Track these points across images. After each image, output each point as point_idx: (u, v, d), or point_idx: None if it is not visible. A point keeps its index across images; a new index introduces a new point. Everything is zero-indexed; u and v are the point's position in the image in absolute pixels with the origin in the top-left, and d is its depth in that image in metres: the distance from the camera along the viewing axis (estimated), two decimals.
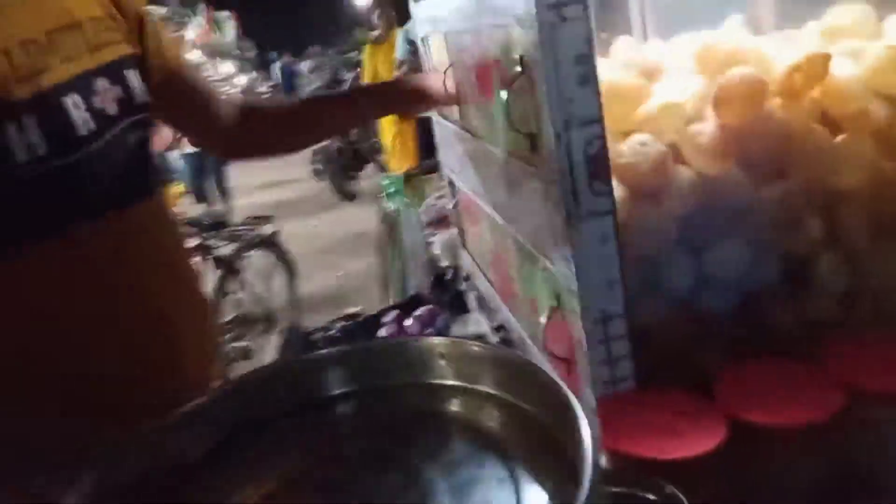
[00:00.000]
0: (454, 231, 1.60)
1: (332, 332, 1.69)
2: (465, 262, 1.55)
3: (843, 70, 0.80)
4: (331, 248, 5.58)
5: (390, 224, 2.23)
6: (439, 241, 1.73)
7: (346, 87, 10.91)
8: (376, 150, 8.49)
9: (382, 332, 1.57)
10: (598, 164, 0.74)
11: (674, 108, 0.80)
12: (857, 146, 0.81)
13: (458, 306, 1.60)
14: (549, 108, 0.73)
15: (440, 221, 1.76)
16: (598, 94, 0.73)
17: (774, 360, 0.79)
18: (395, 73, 4.35)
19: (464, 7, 1.01)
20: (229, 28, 11.09)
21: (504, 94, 0.83)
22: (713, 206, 0.81)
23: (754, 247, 0.83)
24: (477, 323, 1.48)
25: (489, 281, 1.33)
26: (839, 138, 0.81)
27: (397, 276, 2.26)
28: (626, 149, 0.79)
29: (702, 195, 0.81)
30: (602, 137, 0.74)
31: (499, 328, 1.26)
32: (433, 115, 1.52)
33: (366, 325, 1.71)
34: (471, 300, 1.54)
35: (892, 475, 0.73)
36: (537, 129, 0.80)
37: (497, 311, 1.28)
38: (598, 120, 0.73)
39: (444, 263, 1.73)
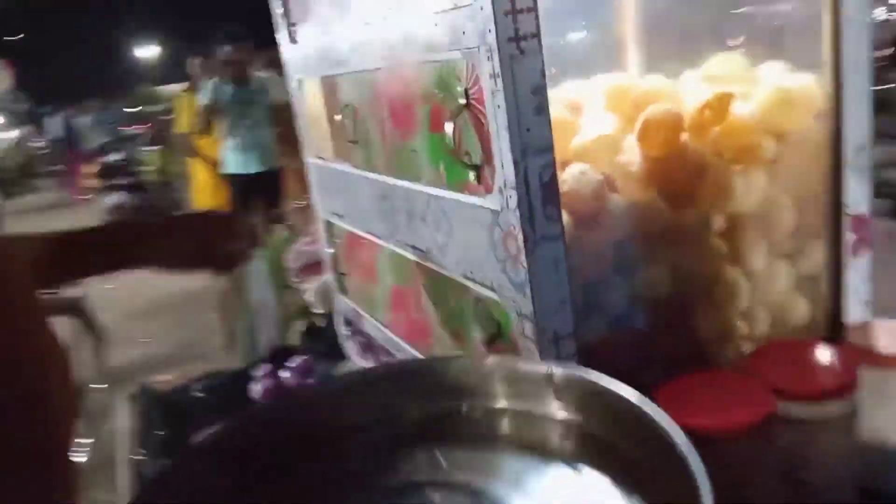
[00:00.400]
0: (329, 277, 1.57)
1: (194, 392, 1.57)
2: (343, 307, 1.52)
3: (738, 110, 0.91)
4: (139, 312, 5.17)
5: (236, 278, 2.13)
6: (312, 289, 1.68)
7: (136, 142, 10.33)
8: (177, 205, 8.09)
9: (257, 388, 1.48)
10: (551, 191, 0.78)
11: (607, 141, 0.86)
12: (751, 176, 0.91)
13: (335, 354, 1.56)
14: (510, 138, 0.75)
15: (311, 268, 1.72)
16: (550, 123, 0.77)
17: (707, 371, 0.86)
18: (197, 120, 4.27)
19: (373, 45, 1.02)
20: (1, 79, 10.15)
21: (448, 128, 0.84)
22: (641, 231, 0.87)
23: (674, 268, 0.90)
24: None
25: (381, 323, 1.32)
26: (736, 169, 0.92)
27: (245, 333, 2.15)
28: (567, 177, 0.84)
29: (632, 220, 0.87)
30: (553, 165, 0.78)
31: None
32: (308, 159, 1.50)
33: (233, 382, 1.61)
34: (351, 347, 1.51)
35: (819, 466, 0.81)
36: (483, 159, 0.83)
37: (395, 352, 1.26)
38: (551, 148, 0.77)
39: (318, 311, 1.68)
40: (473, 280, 0.91)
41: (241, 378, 1.61)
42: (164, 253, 0.99)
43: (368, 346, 1.43)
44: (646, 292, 0.89)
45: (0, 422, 0.80)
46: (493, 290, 0.87)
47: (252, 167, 4.29)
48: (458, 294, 0.99)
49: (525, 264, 0.78)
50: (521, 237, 0.78)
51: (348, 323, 1.51)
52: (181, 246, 1.00)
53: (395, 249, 1.14)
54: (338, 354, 1.56)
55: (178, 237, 1.00)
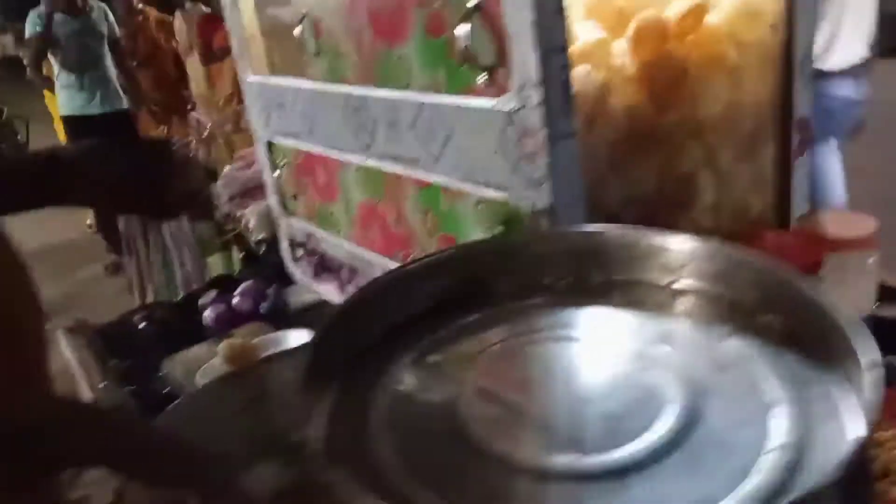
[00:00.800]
0: (271, 201, 1.55)
1: (136, 325, 1.52)
2: (291, 230, 1.51)
3: (707, 20, 0.99)
4: None
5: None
6: (254, 214, 1.64)
7: None
8: (19, 147, 7.44)
9: (208, 314, 1.45)
10: (567, 89, 0.83)
11: (602, 45, 0.92)
12: (718, 83, 1.00)
13: (280, 279, 1.55)
14: (533, 38, 0.79)
15: (246, 193, 1.68)
16: (565, 23, 0.81)
17: None
18: (27, 53, 3.94)
19: None
20: None
21: (461, 30, 0.86)
22: (632, 132, 0.94)
23: (656, 167, 0.98)
24: (314, 291, 1.46)
25: (346, 241, 1.33)
26: (707, 75, 1.00)
27: (159, 271, 2.06)
28: (574, 78, 0.88)
29: (624, 122, 0.93)
30: (569, 65, 0.82)
31: None
32: (248, 80, 1.45)
33: (173, 313, 1.57)
34: (301, 269, 1.51)
35: None
36: (497, 60, 0.86)
37: (364, 267, 1.28)
38: (567, 48, 0.82)
39: (259, 237, 1.65)
40: (476, 183, 0.95)
41: (181, 309, 1.57)
42: (94, 186, 0.82)
43: (323, 266, 1.44)
44: (634, 191, 0.96)
45: None
46: (501, 190, 0.91)
47: (93, 108, 3.99)
48: (453, 201, 1.03)
49: (545, 161, 0.83)
50: (541, 135, 0.82)
51: (297, 245, 1.50)
52: (116, 179, 0.83)
53: (369, 163, 1.16)
54: (283, 279, 1.55)
55: (110, 169, 0.83)
